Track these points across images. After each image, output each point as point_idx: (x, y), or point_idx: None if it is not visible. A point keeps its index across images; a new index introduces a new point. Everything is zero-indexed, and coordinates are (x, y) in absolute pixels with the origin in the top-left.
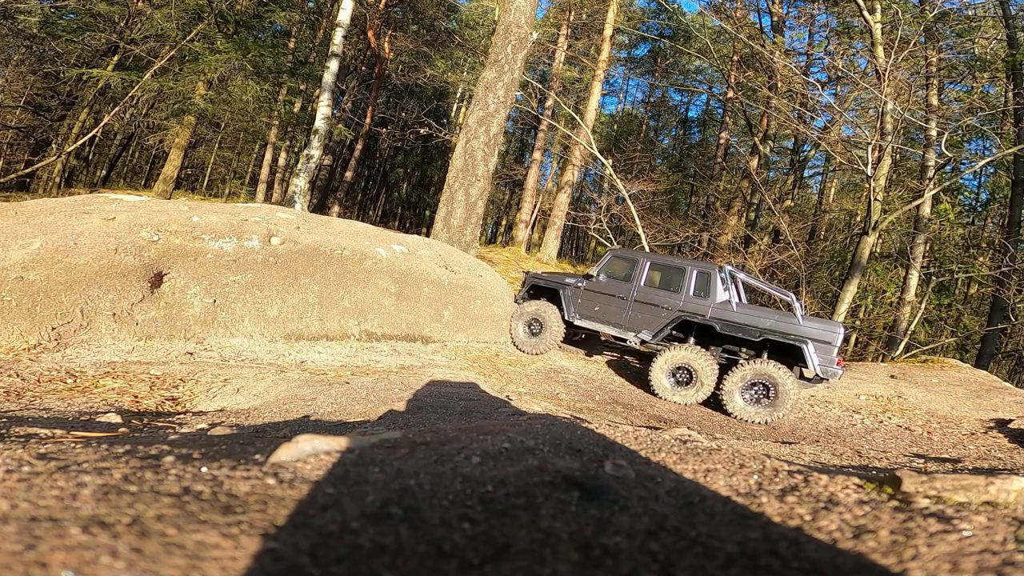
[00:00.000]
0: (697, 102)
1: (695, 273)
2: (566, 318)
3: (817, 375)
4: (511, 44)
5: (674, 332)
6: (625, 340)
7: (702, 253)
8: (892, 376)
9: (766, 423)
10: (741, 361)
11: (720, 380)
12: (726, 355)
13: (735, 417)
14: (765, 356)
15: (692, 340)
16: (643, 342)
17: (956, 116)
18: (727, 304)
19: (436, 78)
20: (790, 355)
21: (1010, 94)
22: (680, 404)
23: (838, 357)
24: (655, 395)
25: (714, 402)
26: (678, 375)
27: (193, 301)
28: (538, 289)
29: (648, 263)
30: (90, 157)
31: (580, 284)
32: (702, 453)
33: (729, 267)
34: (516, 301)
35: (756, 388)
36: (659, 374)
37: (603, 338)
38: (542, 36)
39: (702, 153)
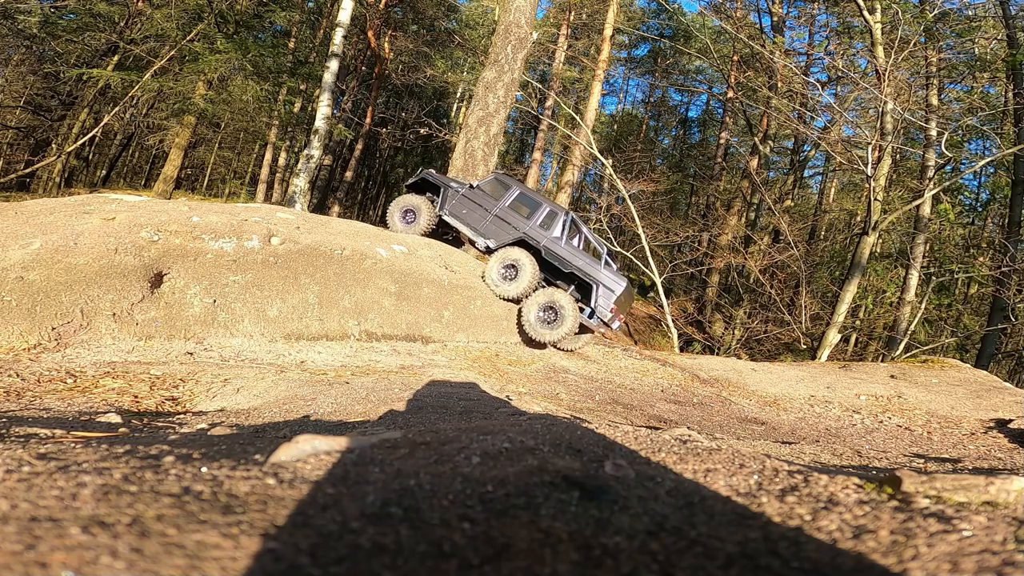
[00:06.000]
0: (697, 102)
1: (547, 210)
2: (438, 212)
3: (592, 311)
4: (511, 44)
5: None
6: (475, 242)
7: (703, 253)
8: (892, 376)
9: (550, 343)
10: (546, 287)
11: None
12: (546, 279)
13: (528, 334)
14: (571, 289)
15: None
16: (487, 248)
17: (956, 116)
18: (558, 240)
19: (436, 78)
20: (588, 296)
21: (1010, 94)
22: (506, 298)
23: (614, 305)
24: (486, 284)
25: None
26: (507, 272)
27: (193, 301)
28: (427, 184)
29: (518, 191)
30: (90, 157)
31: (461, 190)
32: (702, 453)
33: (574, 215)
34: (405, 186)
35: (548, 312)
36: (494, 265)
37: (462, 239)
38: (542, 36)
39: (702, 153)
